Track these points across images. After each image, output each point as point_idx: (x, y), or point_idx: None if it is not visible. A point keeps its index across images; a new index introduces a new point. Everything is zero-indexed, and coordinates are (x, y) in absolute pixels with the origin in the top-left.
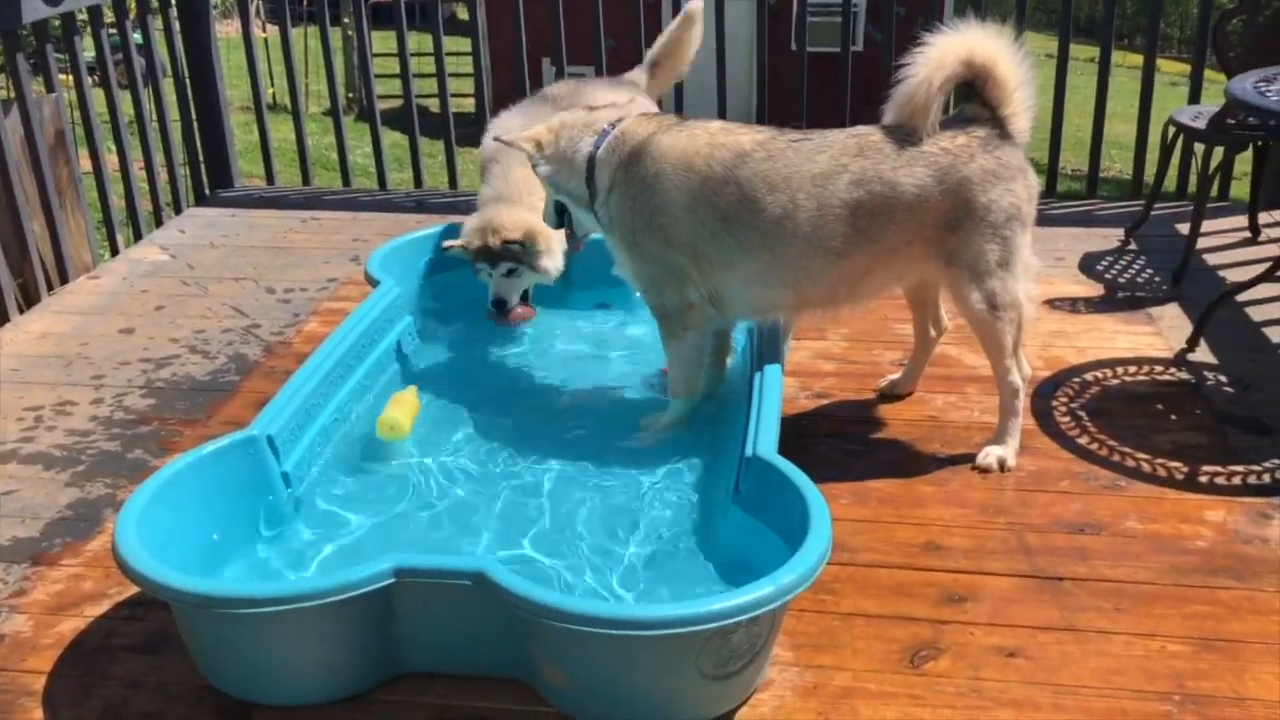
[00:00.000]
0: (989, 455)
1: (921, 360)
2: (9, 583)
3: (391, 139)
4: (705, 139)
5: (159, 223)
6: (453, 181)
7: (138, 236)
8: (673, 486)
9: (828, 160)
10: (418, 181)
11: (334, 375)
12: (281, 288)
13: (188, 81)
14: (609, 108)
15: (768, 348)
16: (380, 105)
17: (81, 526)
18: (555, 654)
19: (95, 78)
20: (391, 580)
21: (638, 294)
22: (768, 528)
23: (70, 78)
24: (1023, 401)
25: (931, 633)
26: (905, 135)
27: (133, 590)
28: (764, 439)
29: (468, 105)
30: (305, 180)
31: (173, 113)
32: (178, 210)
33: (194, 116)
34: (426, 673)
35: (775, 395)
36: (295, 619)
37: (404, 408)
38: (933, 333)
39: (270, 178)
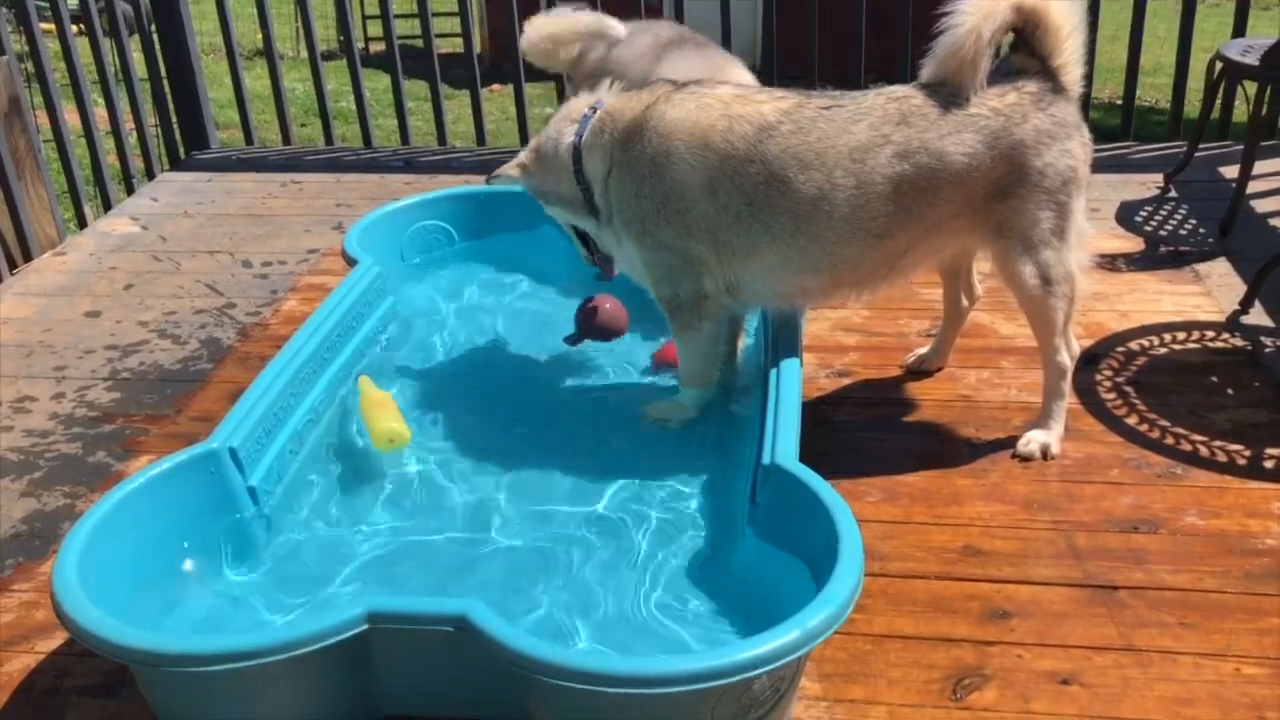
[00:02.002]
0: (1031, 442)
1: (952, 332)
2: None
3: (383, 83)
4: (720, 109)
5: (130, 190)
6: (441, 136)
7: (107, 206)
8: (680, 495)
9: (866, 130)
10: (404, 137)
11: (306, 372)
12: (259, 261)
13: (154, 33)
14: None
15: (784, 334)
16: (374, 47)
17: (36, 545)
18: (551, 706)
19: (51, 29)
20: (364, 627)
21: (644, 285)
22: (789, 546)
23: (21, 32)
24: (1069, 383)
25: (975, 656)
26: (949, 95)
27: None
28: (783, 444)
29: (456, 45)
30: (285, 139)
31: (140, 70)
32: (150, 176)
33: (164, 72)
34: (406, 715)
35: (794, 393)
36: (261, 672)
37: (391, 410)
38: (965, 302)
39: (249, 136)
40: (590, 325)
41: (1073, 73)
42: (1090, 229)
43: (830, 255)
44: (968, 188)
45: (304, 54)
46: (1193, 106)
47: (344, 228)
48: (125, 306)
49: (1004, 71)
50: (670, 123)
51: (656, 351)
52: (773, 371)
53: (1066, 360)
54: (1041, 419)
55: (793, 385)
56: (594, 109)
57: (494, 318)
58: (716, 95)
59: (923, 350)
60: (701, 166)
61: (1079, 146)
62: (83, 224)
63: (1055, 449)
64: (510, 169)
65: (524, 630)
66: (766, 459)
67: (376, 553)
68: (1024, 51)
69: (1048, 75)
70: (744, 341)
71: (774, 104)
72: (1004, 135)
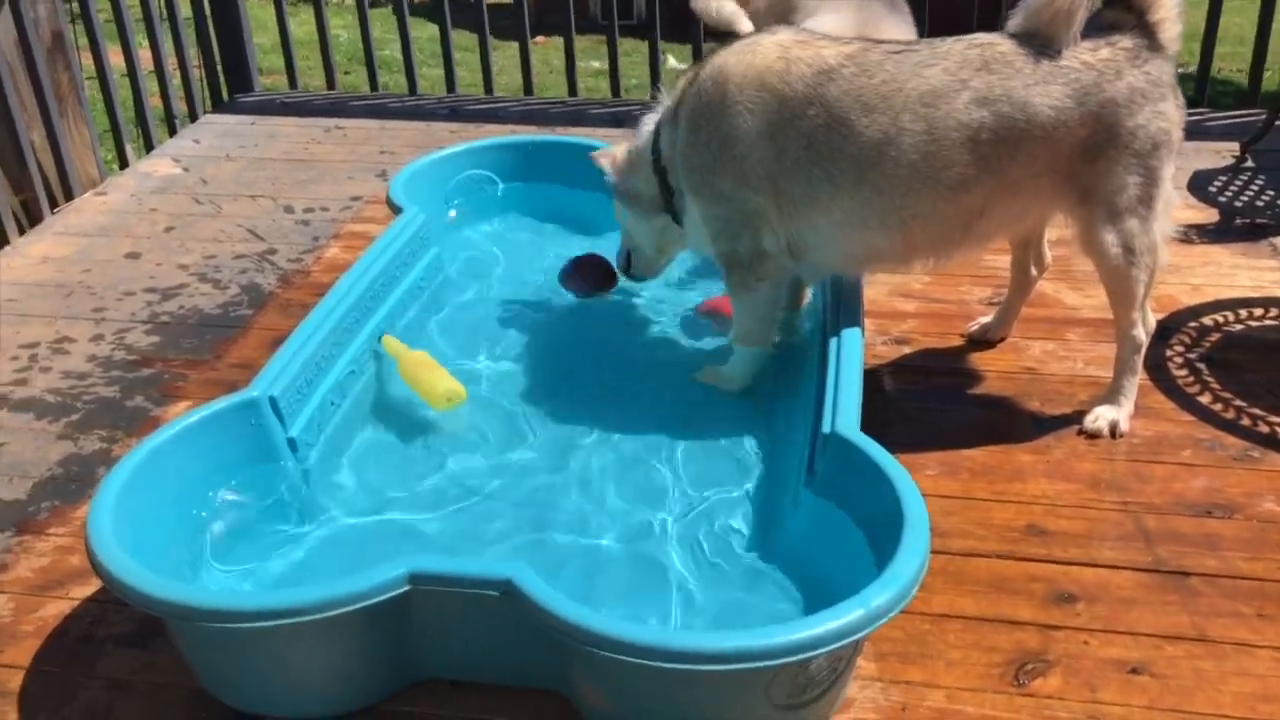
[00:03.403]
0: (1099, 418)
1: (1018, 302)
2: None
3: (428, 32)
4: (777, 52)
5: (172, 131)
6: (488, 86)
7: (149, 147)
8: (731, 461)
9: (941, 75)
10: (450, 85)
11: (349, 321)
12: (301, 207)
13: None
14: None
15: (846, 298)
16: None
17: (72, 489)
18: (598, 677)
19: None
20: (405, 588)
21: (705, 246)
22: (847, 519)
23: None
24: (1143, 358)
25: (1039, 640)
26: (1040, 46)
27: None
28: (845, 413)
29: None
30: (330, 84)
31: (184, 9)
32: (193, 118)
33: (208, 12)
34: (450, 681)
35: (856, 360)
36: (297, 630)
37: (439, 368)
38: (1034, 271)
39: (292, 80)
40: (583, 275)
41: (1170, 30)
42: (1176, 197)
43: (899, 209)
44: (1053, 145)
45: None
46: (1272, 75)
47: (388, 175)
48: (165, 249)
49: (1096, 26)
50: (728, 69)
51: (705, 301)
52: (833, 337)
53: (1142, 335)
54: (1111, 395)
55: (854, 352)
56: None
57: (539, 270)
58: (775, 39)
59: (986, 319)
60: (759, 109)
61: (1174, 109)
62: (124, 164)
63: (1124, 426)
64: (600, 160)
65: (571, 597)
66: (826, 428)
67: (418, 511)
68: (1119, 6)
69: (1144, 31)
70: (808, 301)
71: (836, 48)
72: (1095, 91)
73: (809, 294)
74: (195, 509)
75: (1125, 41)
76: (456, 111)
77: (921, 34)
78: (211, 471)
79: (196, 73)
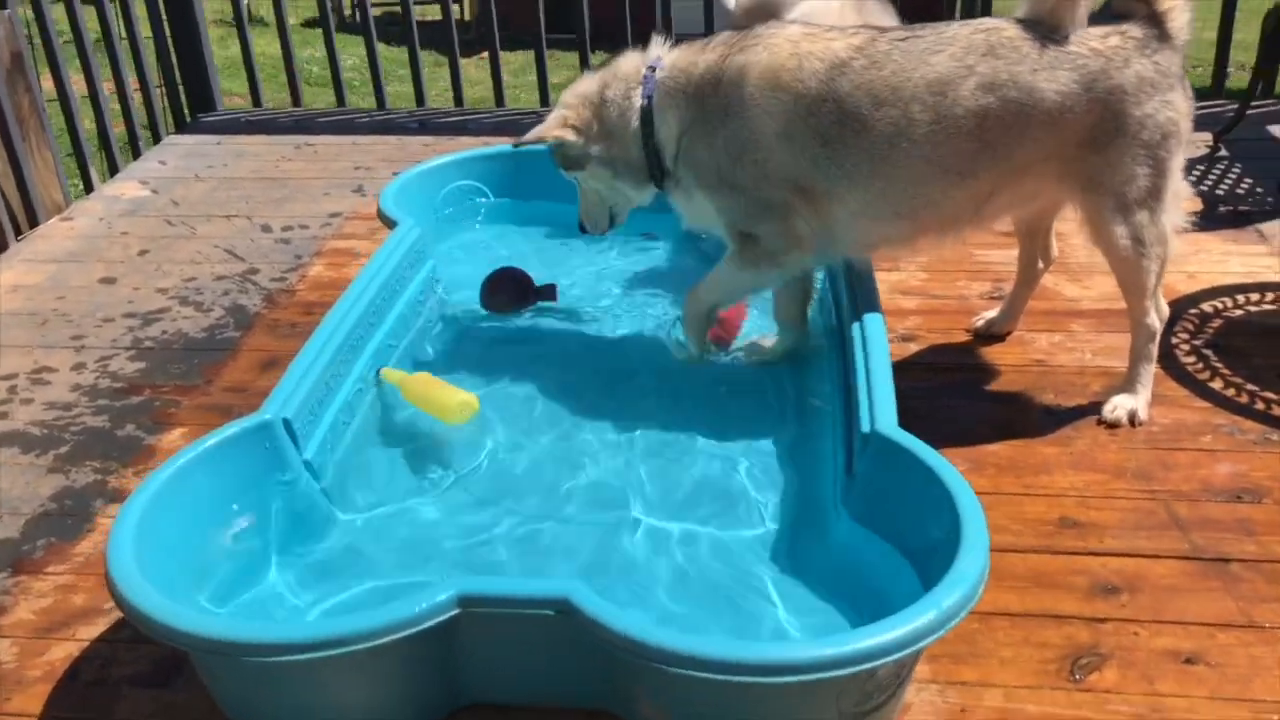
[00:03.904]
0: (1118, 408)
1: (1025, 294)
2: None
3: (363, 51)
4: (789, 49)
5: (136, 154)
6: (458, 98)
7: (113, 170)
8: (759, 465)
9: (947, 62)
10: (419, 99)
11: (353, 339)
12: (279, 225)
13: None
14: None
15: (860, 291)
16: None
17: (68, 524)
18: (660, 694)
19: None
20: (454, 612)
21: (721, 231)
22: (890, 521)
23: None
24: (1157, 346)
25: (1089, 634)
26: (1046, 32)
27: None
28: (882, 410)
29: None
30: (295, 100)
31: (144, 28)
32: (156, 139)
33: (168, 31)
34: (495, 705)
35: (884, 354)
36: (346, 661)
37: (445, 384)
38: (1040, 264)
39: (256, 98)
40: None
41: (1178, 19)
42: (1187, 188)
43: (911, 199)
44: (1060, 131)
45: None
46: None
47: (365, 191)
48: (142, 273)
49: (1106, 16)
50: (742, 68)
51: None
52: (856, 331)
53: (1156, 323)
54: (1128, 384)
55: (881, 346)
56: (652, 68)
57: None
58: (785, 34)
59: (991, 314)
60: (776, 110)
61: (1182, 99)
62: (89, 188)
63: (1143, 415)
64: (559, 132)
65: (632, 613)
66: (865, 426)
67: (440, 528)
68: None
69: (1153, 21)
70: (812, 306)
71: (845, 40)
72: (1103, 78)
73: (814, 295)
74: (214, 537)
75: (1134, 30)
76: (426, 125)
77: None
78: (228, 498)
79: (158, 92)
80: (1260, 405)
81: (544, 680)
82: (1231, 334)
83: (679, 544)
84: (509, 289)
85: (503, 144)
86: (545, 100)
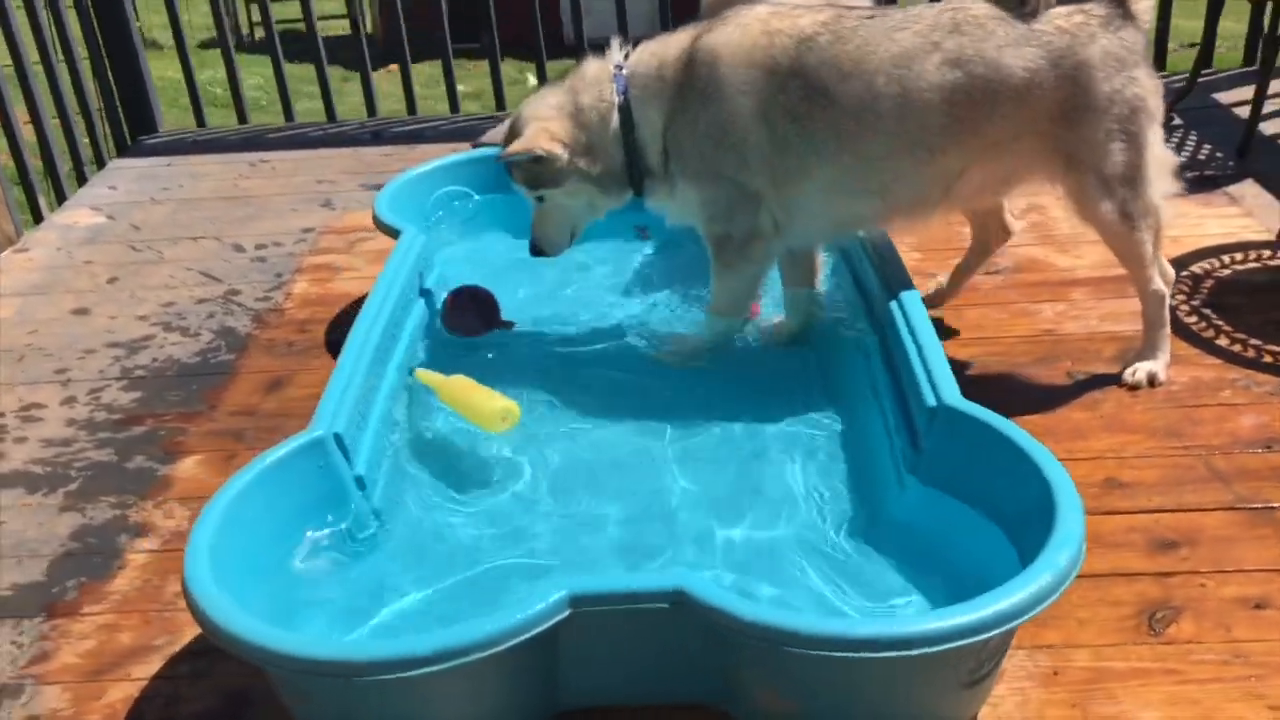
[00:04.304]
0: (1138, 371)
1: (975, 266)
2: (24, 646)
3: (267, 71)
4: (759, 27)
5: (81, 180)
6: (411, 107)
7: (60, 198)
8: (808, 451)
9: (912, 38)
10: (370, 109)
11: (381, 351)
12: (251, 244)
13: (91, 12)
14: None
15: (888, 267)
16: (260, 33)
17: (96, 562)
18: (783, 680)
19: None
20: (567, 613)
21: (698, 226)
22: (961, 493)
23: None
24: (1168, 309)
25: (1158, 589)
26: (1011, 9)
27: (187, 637)
28: (944, 383)
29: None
30: (241, 118)
31: (79, 49)
32: (100, 164)
33: (104, 53)
34: (584, 708)
35: (930, 327)
36: (455, 673)
37: (484, 389)
38: (995, 241)
39: (200, 119)
40: (476, 313)
41: (1143, 0)
42: (1171, 156)
43: (880, 173)
44: (1030, 107)
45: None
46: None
47: (333, 205)
48: (115, 301)
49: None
50: (714, 49)
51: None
52: (895, 309)
53: (1162, 286)
54: (1146, 349)
55: (924, 320)
56: (619, 67)
57: (540, 280)
58: (755, 14)
59: (941, 278)
60: (750, 89)
61: (1146, 76)
62: (38, 218)
63: (1162, 377)
64: (547, 145)
65: (751, 599)
66: (930, 401)
67: (497, 534)
68: None
69: (1116, 1)
70: (821, 281)
71: (813, 17)
72: (1069, 55)
73: (822, 269)
74: (273, 558)
75: (1098, 9)
76: (379, 135)
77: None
78: (285, 517)
79: (98, 116)
80: (1268, 359)
81: (647, 678)
82: (1225, 293)
83: (743, 531)
84: (475, 311)
85: (476, 149)
86: (372, 111)
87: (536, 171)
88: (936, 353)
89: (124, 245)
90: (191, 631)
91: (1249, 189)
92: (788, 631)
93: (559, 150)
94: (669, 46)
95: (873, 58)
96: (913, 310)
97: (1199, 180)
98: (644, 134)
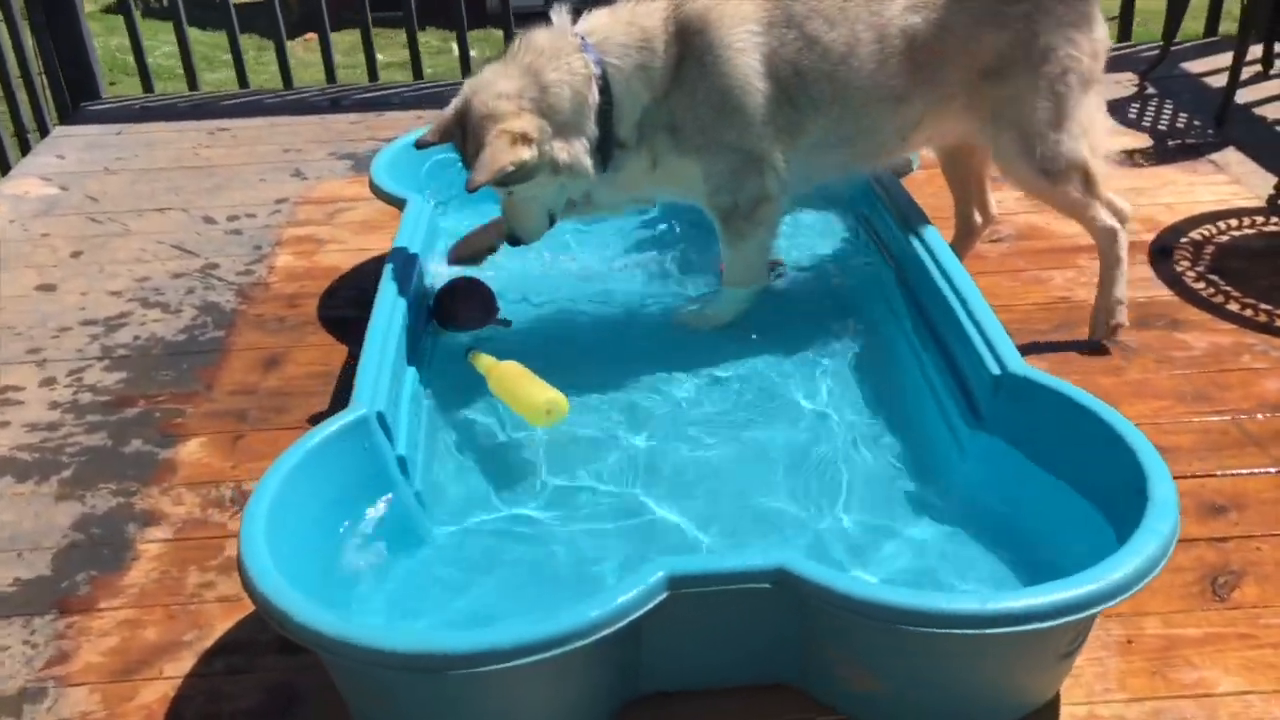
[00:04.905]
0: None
1: (964, 250)
2: (39, 646)
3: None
4: None
5: (24, 149)
6: (372, 73)
7: (3, 168)
8: (847, 422)
9: None
10: (330, 76)
11: (409, 326)
12: (223, 215)
13: None
14: None
15: (914, 225)
16: None
17: (105, 554)
18: (873, 657)
19: None
20: (665, 595)
21: (699, 200)
22: (1027, 460)
23: None
24: (1124, 247)
25: (1216, 554)
26: None
27: (219, 631)
28: (1004, 349)
29: None
30: (191, 84)
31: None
32: (43, 132)
33: (43, 15)
34: (661, 693)
35: (978, 292)
36: (546, 663)
37: (535, 379)
38: (978, 218)
39: (147, 84)
40: (477, 306)
41: None
42: (1108, 120)
43: (856, 122)
44: (972, 54)
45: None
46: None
47: (304, 174)
48: (83, 276)
49: None
50: (701, 12)
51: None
52: (936, 275)
53: (1112, 222)
54: (1103, 289)
55: (971, 285)
56: (581, 38)
57: (548, 252)
58: None
59: None
60: (753, 47)
61: (1085, 39)
62: None
63: (1120, 317)
64: (513, 157)
65: (854, 575)
66: (994, 369)
67: (546, 517)
68: None
69: None
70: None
71: None
72: (1011, 4)
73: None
74: (323, 545)
75: None
76: (338, 103)
77: None
78: (333, 506)
79: (39, 82)
80: (1279, 323)
81: (730, 660)
82: (1227, 258)
83: (802, 510)
84: (478, 302)
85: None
86: (331, 78)
87: (506, 176)
88: (990, 319)
89: (83, 217)
90: (223, 626)
91: (1232, 156)
92: (912, 610)
93: (528, 154)
94: (642, 15)
95: (851, 4)
96: (957, 276)
97: (1182, 148)
98: (624, 107)
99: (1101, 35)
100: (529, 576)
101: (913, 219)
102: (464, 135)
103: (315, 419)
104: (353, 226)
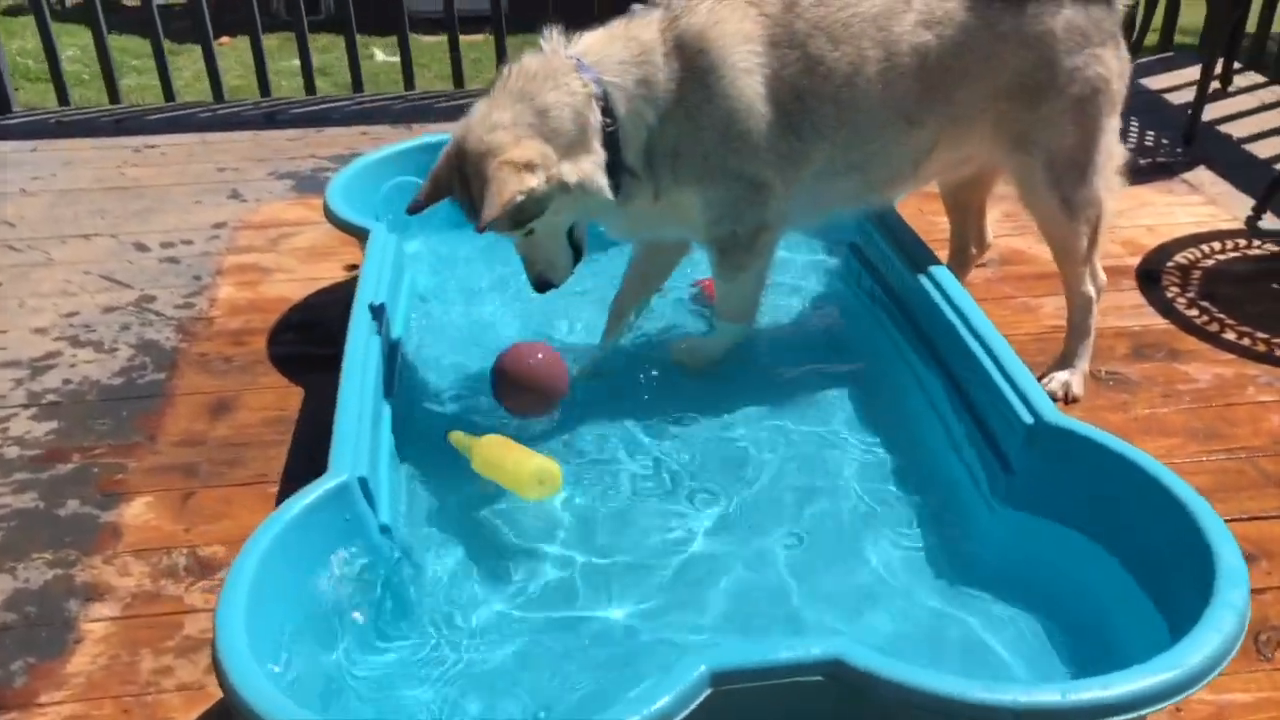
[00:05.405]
0: (1053, 381)
1: (959, 276)
2: None
3: (82, 41)
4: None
5: None
6: (309, 87)
7: None
8: (862, 479)
9: None
10: (264, 89)
11: (383, 376)
12: (156, 242)
13: None
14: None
15: (921, 263)
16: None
17: (43, 637)
18: None
19: None
20: (707, 692)
21: (696, 232)
22: (1063, 518)
23: None
24: (1095, 317)
25: (1254, 609)
26: None
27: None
28: (1036, 398)
29: None
30: (113, 98)
31: None
32: None
33: None
34: None
35: (1001, 338)
36: None
37: (521, 447)
38: (974, 250)
39: (63, 97)
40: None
41: None
42: (1123, 151)
43: (865, 147)
44: (993, 75)
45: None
46: None
47: (242, 196)
48: (3, 311)
49: None
50: (700, 31)
51: (704, 280)
52: (953, 318)
53: (1091, 291)
54: (1066, 357)
55: (993, 331)
56: (577, 60)
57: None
58: None
59: None
60: (754, 68)
61: (1113, 58)
62: None
63: (1077, 389)
64: (521, 186)
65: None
66: (1027, 418)
67: (539, 588)
68: None
69: None
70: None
71: None
72: (1034, 22)
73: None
74: (307, 627)
75: None
76: (274, 118)
77: None
78: (311, 576)
79: None
80: (1279, 352)
81: None
82: (1216, 283)
83: (829, 581)
84: (535, 400)
85: (420, 135)
86: (265, 90)
87: (518, 210)
88: (1017, 366)
89: (0, 245)
90: (184, 717)
91: (1204, 176)
92: (989, 705)
93: (535, 181)
94: (638, 30)
95: (856, 20)
96: (976, 321)
97: (1153, 167)
98: (629, 128)
99: (1126, 54)
100: (528, 663)
101: (915, 251)
102: (464, 181)
103: (285, 477)
104: (299, 253)
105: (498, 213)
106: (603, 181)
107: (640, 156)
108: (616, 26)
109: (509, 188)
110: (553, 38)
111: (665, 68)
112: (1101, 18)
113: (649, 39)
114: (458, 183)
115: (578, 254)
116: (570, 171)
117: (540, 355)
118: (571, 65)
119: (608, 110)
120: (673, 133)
